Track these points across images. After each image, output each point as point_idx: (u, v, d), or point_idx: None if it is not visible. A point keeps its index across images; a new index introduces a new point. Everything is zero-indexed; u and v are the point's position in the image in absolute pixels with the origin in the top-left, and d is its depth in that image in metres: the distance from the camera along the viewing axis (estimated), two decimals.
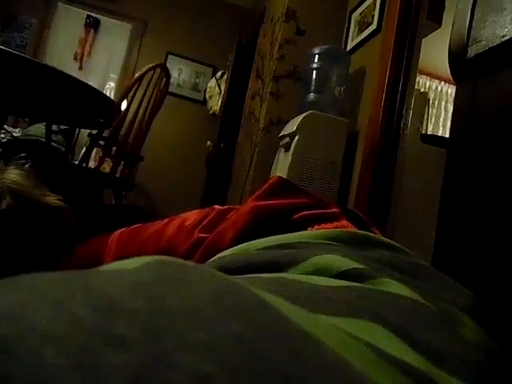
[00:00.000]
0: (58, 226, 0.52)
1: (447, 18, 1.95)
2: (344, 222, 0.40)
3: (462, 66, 0.59)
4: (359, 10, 2.15)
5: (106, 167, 2.35)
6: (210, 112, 3.70)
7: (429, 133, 2.31)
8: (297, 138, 1.77)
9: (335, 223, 0.39)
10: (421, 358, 0.18)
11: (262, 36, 2.82)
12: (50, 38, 3.67)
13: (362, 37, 2.04)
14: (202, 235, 0.42)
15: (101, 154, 1.88)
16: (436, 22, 2.09)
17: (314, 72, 1.92)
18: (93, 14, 3.78)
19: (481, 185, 0.52)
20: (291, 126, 1.85)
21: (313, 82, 1.92)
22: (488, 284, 0.48)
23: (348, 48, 2.17)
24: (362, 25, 2.09)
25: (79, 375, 0.10)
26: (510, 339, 0.32)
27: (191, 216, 0.48)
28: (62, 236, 0.53)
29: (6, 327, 0.11)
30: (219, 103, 3.49)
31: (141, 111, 1.83)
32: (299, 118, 1.81)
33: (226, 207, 0.47)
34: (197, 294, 0.14)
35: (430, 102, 3.41)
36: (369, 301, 0.22)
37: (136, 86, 1.72)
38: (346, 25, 2.26)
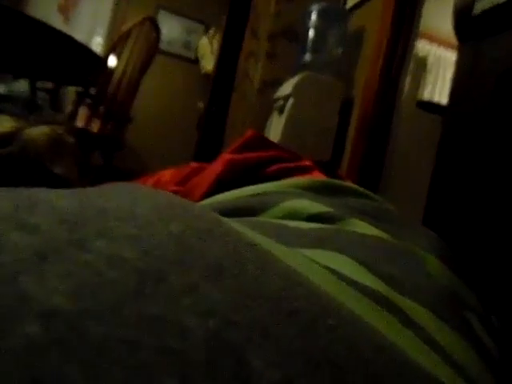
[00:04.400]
0: None
1: None
2: (316, 174, 0.41)
3: (466, 23, 0.55)
4: None
5: (95, 128, 2.29)
6: (203, 72, 3.58)
7: (425, 99, 2.27)
8: (291, 100, 1.72)
9: (308, 175, 0.40)
10: (381, 282, 0.18)
11: None
12: None
13: None
14: (176, 188, 0.42)
15: (87, 112, 1.82)
16: None
17: (311, 31, 1.84)
18: None
19: (476, 150, 0.51)
20: (286, 88, 1.80)
21: (309, 42, 1.85)
22: (472, 243, 0.48)
23: (348, 6, 2.07)
24: None
25: None
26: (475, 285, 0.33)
27: (167, 173, 0.48)
28: None
29: None
30: (212, 63, 3.37)
31: (129, 68, 1.75)
32: (294, 79, 1.76)
33: (201, 164, 0.48)
34: (138, 203, 0.13)
35: (428, 66, 3.33)
36: (336, 237, 0.22)
37: (124, 40, 1.64)
38: None
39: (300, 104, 1.72)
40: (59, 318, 0.08)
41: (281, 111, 1.80)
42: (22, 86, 2.02)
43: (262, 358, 0.09)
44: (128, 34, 1.63)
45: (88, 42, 3.53)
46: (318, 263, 0.17)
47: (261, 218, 0.27)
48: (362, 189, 0.37)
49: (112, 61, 1.75)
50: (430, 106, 1.92)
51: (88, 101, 1.77)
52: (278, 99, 1.85)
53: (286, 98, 1.76)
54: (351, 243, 0.22)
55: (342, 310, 0.13)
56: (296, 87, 1.71)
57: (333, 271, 0.17)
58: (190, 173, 0.45)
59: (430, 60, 3.38)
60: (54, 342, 0.07)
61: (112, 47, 1.67)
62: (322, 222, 0.26)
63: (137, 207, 0.13)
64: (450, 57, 3.35)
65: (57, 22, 3.35)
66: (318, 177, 0.40)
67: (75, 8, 3.64)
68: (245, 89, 2.42)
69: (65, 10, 3.59)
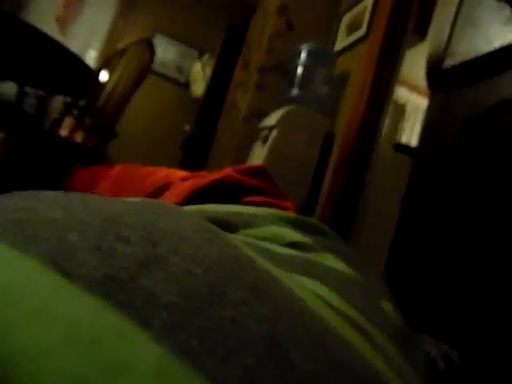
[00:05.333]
0: None
1: (432, 33, 2.01)
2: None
3: (437, 76, 0.61)
4: (350, 13, 2.17)
5: (78, 139, 2.28)
6: (192, 96, 3.65)
7: (402, 143, 2.38)
8: (275, 131, 1.78)
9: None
10: (356, 313, 0.21)
11: (252, 26, 2.80)
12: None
13: (350, 40, 2.07)
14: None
15: (72, 123, 1.82)
16: (421, 35, 2.15)
17: (300, 68, 1.94)
18: None
19: (444, 192, 0.55)
20: (271, 119, 1.86)
21: (297, 78, 1.94)
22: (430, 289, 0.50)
23: (336, 49, 2.20)
24: (352, 28, 2.12)
25: (98, 254, 0.12)
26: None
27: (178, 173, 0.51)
28: None
29: (26, 215, 0.13)
30: (202, 88, 3.45)
31: (121, 84, 1.78)
32: (280, 111, 1.82)
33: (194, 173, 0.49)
34: (182, 225, 0.17)
35: (407, 113, 3.51)
36: (314, 267, 0.25)
37: (118, 56, 1.67)
38: (337, 26, 2.28)
39: (284, 136, 1.78)
40: (177, 308, 0.12)
41: (264, 141, 1.85)
42: (9, 89, 2.01)
43: (302, 354, 0.13)
44: (124, 51, 1.67)
45: (82, 55, 3.57)
46: (308, 289, 0.20)
47: (242, 237, 0.29)
48: (329, 230, 0.40)
49: (104, 75, 1.78)
50: (406, 149, 2.02)
51: (75, 112, 1.77)
52: (263, 129, 1.91)
53: (270, 129, 1.82)
54: (329, 275, 0.24)
55: (336, 331, 0.16)
56: (281, 119, 1.78)
57: (320, 297, 0.20)
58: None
59: (409, 107, 3.56)
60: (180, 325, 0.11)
61: (106, 62, 1.70)
62: (300, 250, 0.29)
63: (186, 230, 0.17)
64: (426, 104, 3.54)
65: (53, 31, 3.38)
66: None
67: (73, 20, 3.69)
68: (232, 116, 2.48)
69: (62, 22, 3.63)
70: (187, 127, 3.27)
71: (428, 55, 0.62)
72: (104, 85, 1.75)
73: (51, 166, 1.64)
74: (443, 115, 0.60)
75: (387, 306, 0.28)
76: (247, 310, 0.13)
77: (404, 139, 3.28)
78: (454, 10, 0.62)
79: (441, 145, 0.57)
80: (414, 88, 3.38)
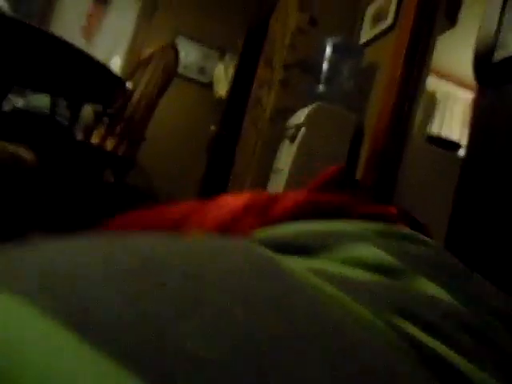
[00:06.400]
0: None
1: (462, 19, 1.92)
2: (400, 226, 0.39)
3: (487, 70, 0.58)
4: (375, 3, 2.11)
5: (109, 146, 2.33)
6: (216, 97, 3.66)
7: (434, 133, 2.30)
8: (303, 129, 1.75)
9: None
10: (463, 359, 0.18)
11: (273, 23, 2.77)
12: (58, 10, 3.59)
13: (376, 32, 2.01)
14: (255, 221, 0.39)
15: (103, 131, 1.86)
16: (451, 21, 2.06)
17: (325, 63, 1.90)
18: None
19: (497, 193, 0.52)
20: (298, 117, 1.84)
21: (323, 74, 1.90)
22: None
23: (361, 41, 2.14)
24: (377, 19, 2.05)
25: (127, 316, 0.11)
26: None
27: (237, 200, 0.44)
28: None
29: (52, 267, 0.12)
30: (226, 88, 3.45)
31: (148, 91, 1.81)
32: (307, 109, 1.79)
33: (273, 195, 0.44)
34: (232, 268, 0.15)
35: (437, 102, 3.39)
36: (401, 298, 0.21)
37: (145, 64, 1.69)
38: (361, 18, 2.23)
39: (312, 134, 1.75)
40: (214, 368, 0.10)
41: (292, 140, 1.83)
42: (41, 100, 2.07)
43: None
44: (150, 58, 1.69)
45: (108, 62, 3.65)
46: (394, 329, 0.17)
47: (319, 262, 0.26)
48: (437, 243, 0.36)
49: (131, 83, 1.81)
50: (441, 142, 1.95)
51: (105, 120, 1.81)
52: (290, 128, 1.88)
53: (298, 127, 1.80)
54: (420, 308, 0.21)
55: None
56: (309, 117, 1.75)
57: (410, 339, 0.17)
58: (266, 204, 0.42)
59: (438, 95, 3.44)
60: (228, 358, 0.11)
61: (133, 71, 1.72)
62: (387, 275, 0.25)
63: (233, 272, 0.15)
64: (457, 92, 3.41)
65: (79, 41, 3.46)
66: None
67: (97, 29, 3.77)
68: (257, 115, 2.47)
69: (87, 31, 3.73)
70: (213, 128, 3.28)
71: (475, 47, 0.59)
72: (132, 92, 1.78)
73: (84, 174, 1.69)
74: (496, 112, 0.56)
75: (505, 339, 0.24)
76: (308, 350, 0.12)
77: (435, 130, 3.17)
78: None
79: (495, 143, 0.54)
80: (443, 76, 3.26)
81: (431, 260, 0.30)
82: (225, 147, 2.99)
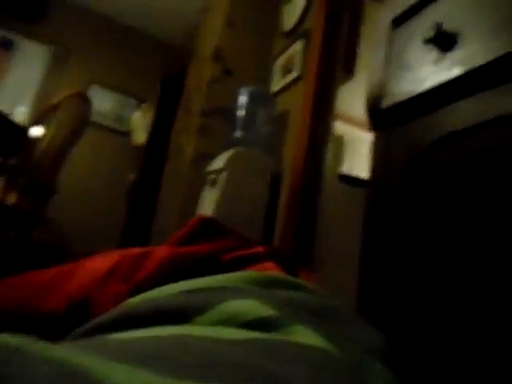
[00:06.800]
0: None
1: (358, 70, 2.17)
2: (268, 264, 0.40)
3: (377, 115, 0.64)
4: (283, 56, 2.29)
5: (12, 200, 2.11)
6: (134, 144, 3.58)
7: (345, 173, 2.48)
8: (224, 174, 1.78)
9: (259, 265, 0.39)
10: None
11: (190, 72, 2.85)
12: None
13: (286, 81, 2.17)
14: (118, 288, 0.38)
15: (3, 183, 1.69)
16: (348, 72, 2.32)
17: (242, 111, 1.98)
18: (8, 35, 3.51)
19: (397, 224, 0.56)
20: (218, 162, 1.86)
21: (240, 120, 1.97)
22: (409, 326, 0.50)
23: (274, 90, 2.29)
24: (286, 71, 2.23)
25: None
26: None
27: (101, 264, 0.43)
28: None
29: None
30: (144, 135, 3.40)
31: (56, 139, 1.70)
32: (226, 154, 1.83)
33: (140, 251, 0.44)
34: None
35: (345, 144, 3.70)
36: (278, 351, 0.21)
37: (53, 112, 1.60)
38: (272, 68, 2.39)
39: (232, 178, 1.78)
40: None
41: (213, 184, 1.83)
42: None
43: None
44: (56, 106, 1.60)
45: (10, 111, 3.39)
46: None
47: (188, 330, 0.24)
48: (304, 282, 0.36)
49: (38, 131, 1.69)
50: (351, 180, 2.10)
51: (6, 172, 1.65)
52: (211, 173, 1.90)
53: (218, 172, 1.81)
54: (297, 359, 0.21)
55: None
56: (228, 161, 1.78)
57: None
58: (130, 266, 0.41)
59: (346, 138, 3.78)
60: None
61: (39, 118, 1.62)
62: (263, 329, 0.25)
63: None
64: (362, 135, 3.78)
65: None
66: (269, 267, 0.39)
67: (1, 79, 3.53)
68: (177, 162, 2.45)
69: None
70: (131, 176, 3.17)
71: (366, 96, 0.65)
72: (37, 141, 1.65)
73: None
74: (388, 152, 0.61)
75: (380, 379, 0.24)
76: None
77: (345, 169, 3.44)
78: (384, 53, 0.66)
79: (389, 180, 0.59)
80: (348, 120, 3.61)
81: (306, 305, 0.31)
82: (145, 195, 2.89)
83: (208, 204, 1.81)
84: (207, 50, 2.48)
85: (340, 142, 3.33)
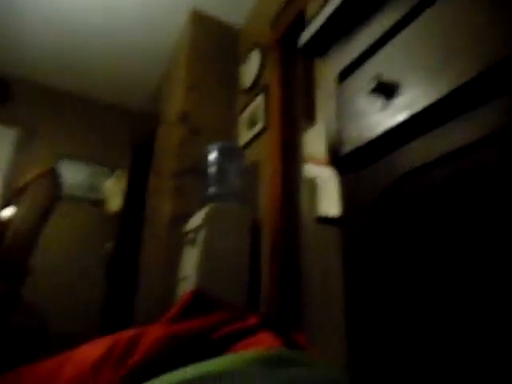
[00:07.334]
0: None
1: (321, 118, 2.28)
2: (263, 336, 0.40)
3: (338, 162, 0.67)
4: (247, 110, 2.39)
5: None
6: (109, 212, 3.54)
7: (322, 214, 2.52)
8: (203, 231, 1.77)
9: (255, 338, 0.39)
10: None
11: (159, 136, 2.91)
12: None
13: (253, 133, 2.25)
14: (112, 377, 0.36)
15: None
16: (310, 120, 2.43)
17: (212, 167, 2.02)
18: None
19: (369, 259, 0.56)
20: (196, 220, 1.86)
21: (212, 177, 2.00)
22: (408, 374, 0.49)
23: (242, 143, 2.35)
24: (252, 123, 2.31)
25: None
26: None
27: (92, 351, 0.41)
28: None
29: None
30: (119, 202, 3.38)
31: (28, 219, 1.66)
32: (203, 211, 1.83)
33: (131, 334, 0.42)
34: None
35: (319, 185, 3.79)
36: None
37: (22, 193, 1.58)
38: (238, 124, 2.48)
39: (212, 234, 1.77)
40: None
41: (193, 243, 1.81)
42: None
43: None
44: (25, 187, 1.59)
45: None
46: None
47: None
48: (304, 356, 0.36)
49: (8, 213, 1.65)
50: (328, 220, 2.13)
51: None
52: (189, 232, 1.88)
53: (196, 230, 1.80)
54: None
55: None
56: (206, 218, 1.78)
57: None
58: (123, 351, 0.39)
59: (319, 180, 3.87)
60: None
61: (8, 199, 1.59)
62: None
63: None
64: (334, 175, 3.88)
65: None
66: (265, 339, 0.39)
67: None
68: (155, 225, 2.43)
69: None
70: (109, 245, 3.10)
71: (326, 145, 0.68)
72: (7, 223, 1.61)
73: None
74: (353, 194, 0.64)
75: None
76: None
77: (322, 211, 3.49)
78: (336, 104, 0.71)
79: (358, 219, 0.61)
80: (318, 161, 3.72)
81: (307, 380, 0.31)
82: (125, 262, 2.81)
83: (189, 263, 1.78)
84: (173, 114, 2.57)
85: (313, 183, 3.41)
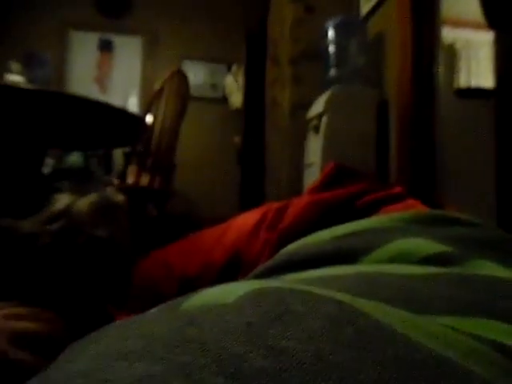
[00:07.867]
0: (107, 261, 0.49)
1: None
2: (411, 202, 0.39)
3: (497, 9, 0.54)
4: None
5: (144, 182, 2.41)
6: (233, 108, 3.70)
7: (463, 87, 2.18)
8: (325, 117, 1.72)
9: (402, 203, 0.38)
10: None
11: (271, 21, 2.76)
12: (70, 67, 3.80)
13: (375, 1, 1.95)
14: (267, 236, 0.42)
15: (135, 170, 1.93)
16: None
17: (332, 46, 1.86)
18: (104, 36, 3.87)
19: None
20: (317, 107, 1.81)
21: (332, 58, 1.86)
22: None
23: (362, 15, 2.08)
24: None
25: None
26: None
27: (249, 218, 0.47)
28: (112, 271, 0.50)
29: None
30: (240, 97, 3.48)
31: (167, 120, 1.86)
32: (324, 96, 1.76)
33: (281, 204, 0.47)
34: (311, 332, 0.14)
35: (459, 52, 3.21)
36: (469, 290, 0.19)
37: (158, 97, 1.75)
38: None
39: (335, 119, 1.71)
40: None
41: (316, 130, 1.80)
42: (72, 158, 2.19)
43: None
44: (161, 90, 1.74)
45: (125, 104, 3.80)
46: (479, 340, 0.15)
47: (368, 268, 0.24)
48: (467, 216, 0.33)
49: (150, 117, 1.87)
50: (472, 93, 1.84)
51: (135, 158, 1.88)
52: (312, 119, 1.86)
53: (319, 117, 1.77)
54: (490, 296, 0.18)
55: None
56: (327, 104, 1.72)
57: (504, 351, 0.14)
58: (274, 217, 0.44)
59: (458, 45, 3.25)
60: None
61: (149, 105, 1.78)
62: (441, 265, 0.23)
63: (315, 342, 0.14)
64: (478, 37, 3.20)
65: (95, 92, 3.65)
66: (414, 205, 0.38)
67: (109, 77, 3.95)
68: (276, 115, 2.46)
69: (100, 81, 3.91)
70: (237, 139, 3.31)
71: None
72: (153, 126, 1.83)
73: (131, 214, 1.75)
74: None
75: None
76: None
77: (462, 82, 3.00)
78: None
79: None
80: (459, 24, 3.08)
81: (479, 239, 0.28)
82: (254, 154, 3.00)
83: (314, 152, 1.80)
84: None
85: (452, 50, 2.90)
